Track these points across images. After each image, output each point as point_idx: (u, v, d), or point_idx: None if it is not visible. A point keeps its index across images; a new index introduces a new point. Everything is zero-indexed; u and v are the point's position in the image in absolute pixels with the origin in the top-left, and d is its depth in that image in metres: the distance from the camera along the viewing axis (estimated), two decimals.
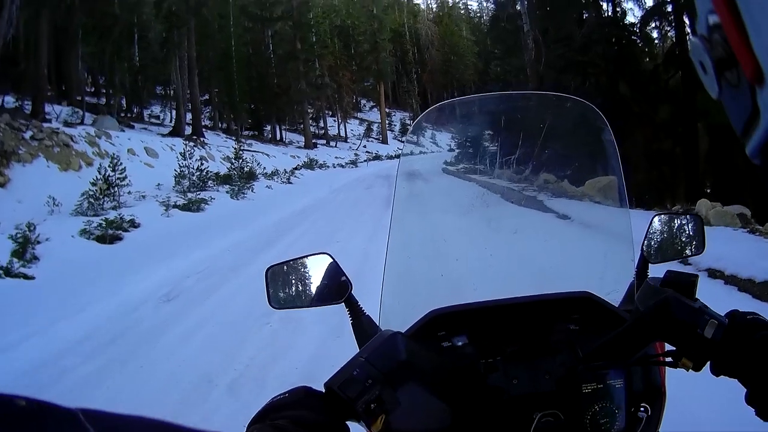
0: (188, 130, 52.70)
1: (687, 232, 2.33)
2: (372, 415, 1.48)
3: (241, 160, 37.22)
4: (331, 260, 2.08)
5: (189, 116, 56.05)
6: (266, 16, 74.18)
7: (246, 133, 70.93)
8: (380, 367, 1.54)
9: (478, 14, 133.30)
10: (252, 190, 32.88)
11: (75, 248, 16.38)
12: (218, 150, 43.61)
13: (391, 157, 76.33)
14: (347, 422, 1.47)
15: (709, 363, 1.56)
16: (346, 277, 2.06)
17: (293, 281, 2.15)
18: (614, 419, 1.72)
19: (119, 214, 19.81)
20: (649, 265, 2.21)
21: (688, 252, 2.33)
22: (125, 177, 23.72)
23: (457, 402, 1.78)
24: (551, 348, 1.89)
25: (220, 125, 67.05)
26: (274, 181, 40.34)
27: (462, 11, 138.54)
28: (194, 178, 30.63)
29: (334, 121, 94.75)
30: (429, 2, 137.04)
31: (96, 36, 46.00)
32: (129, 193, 24.33)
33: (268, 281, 2.12)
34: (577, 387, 1.73)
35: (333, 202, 28.72)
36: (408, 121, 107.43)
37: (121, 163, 24.08)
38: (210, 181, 32.03)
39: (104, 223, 18.20)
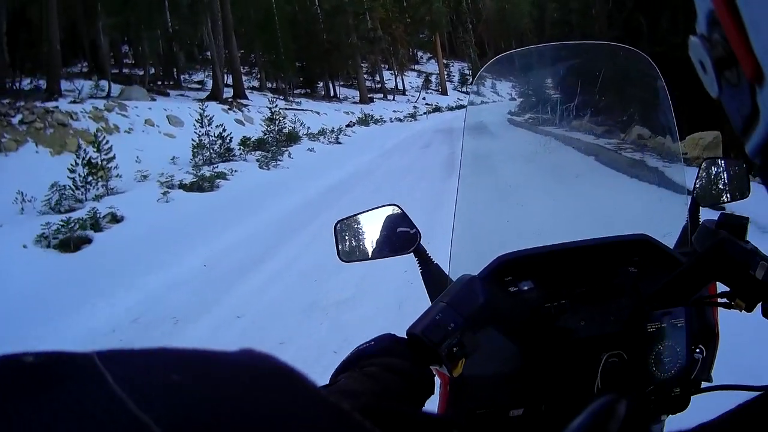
0: (230, 93, 48.23)
1: (733, 176, 2.28)
2: (454, 359, 1.47)
3: (278, 121, 32.04)
4: (400, 211, 2.02)
5: (231, 79, 51.95)
6: None
7: (298, 91, 67.20)
8: (461, 311, 1.53)
9: None
10: (289, 156, 27.27)
11: (20, 265, 11.59)
12: (259, 112, 38.46)
13: (451, 109, 71.84)
14: (431, 366, 1.46)
15: (760, 305, 1.54)
16: (415, 227, 2.01)
17: (362, 234, 2.09)
18: (676, 358, 1.76)
19: (93, 209, 14.70)
20: (700, 207, 2.17)
21: (733, 196, 2.26)
22: (113, 157, 19.11)
23: (528, 344, 1.78)
24: (615, 291, 1.89)
25: (267, 86, 62.57)
26: (319, 142, 34.65)
27: None
28: (216, 147, 25.55)
29: (391, 74, 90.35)
30: None
31: (119, 3, 41.99)
32: (118, 176, 19.26)
33: (336, 235, 2.07)
34: (642, 327, 1.76)
35: (378, 171, 22.59)
36: (467, 71, 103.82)
37: (107, 142, 19.19)
38: (239, 149, 27.10)
39: (64, 224, 13.16)
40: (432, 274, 1.97)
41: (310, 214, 15.16)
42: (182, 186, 18.68)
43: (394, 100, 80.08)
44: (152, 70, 51.77)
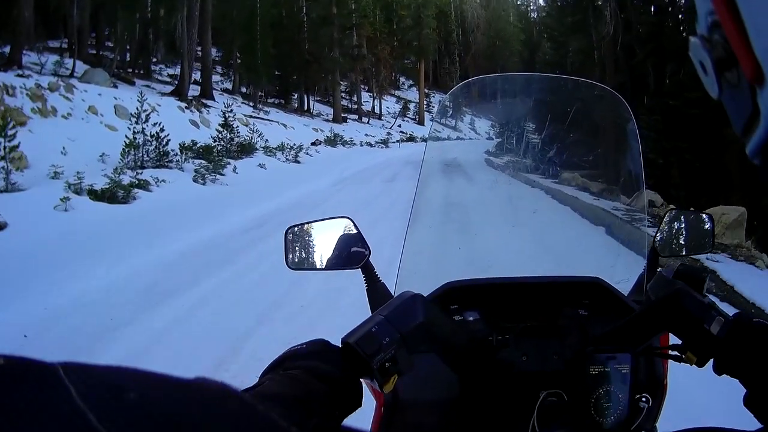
0: (198, 92, 46.06)
1: (698, 229, 2.34)
2: (386, 375, 1.44)
3: (231, 129, 28.95)
4: (352, 224, 2.04)
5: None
6: None
7: (272, 100, 64.94)
8: (399, 326, 1.50)
9: (526, 1, 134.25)
10: (234, 170, 24.44)
11: None
12: (220, 116, 34.86)
13: (425, 140, 67.20)
14: (361, 379, 1.43)
15: (712, 360, 1.57)
16: (365, 242, 2.02)
17: (312, 243, 2.12)
18: (617, 404, 1.72)
19: None
20: (660, 258, 2.20)
21: (697, 249, 2.34)
22: (16, 146, 15.76)
23: (467, 373, 1.75)
24: (561, 330, 1.88)
25: (240, 90, 60.21)
26: (275, 158, 31.95)
27: None
28: (151, 148, 22.08)
29: (370, 96, 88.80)
30: None
31: None
32: (22, 169, 16.36)
33: (286, 242, 2.09)
34: (585, 368, 1.73)
35: (324, 206, 18.68)
36: (459, 100, 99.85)
37: (13, 127, 15.83)
38: (177, 154, 23.19)
39: None
40: (377, 293, 1.96)
41: (215, 262, 11.30)
42: (91, 192, 15.56)
43: (368, 123, 78.48)
44: (128, 56, 50.13)
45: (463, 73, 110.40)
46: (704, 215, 2.32)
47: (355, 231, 2.03)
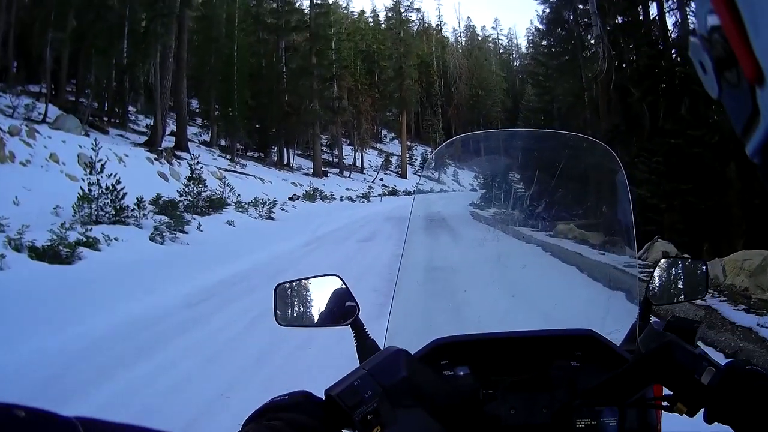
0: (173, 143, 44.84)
1: (690, 276, 2.26)
2: (367, 427, 1.44)
3: (197, 182, 26.77)
4: (341, 282, 2.02)
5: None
6: (279, 25, 67.02)
7: (251, 154, 63.59)
8: (381, 380, 1.51)
9: (508, 50, 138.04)
10: (198, 227, 22.26)
11: None
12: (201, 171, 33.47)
13: (409, 193, 67.93)
14: (343, 431, 1.45)
15: (703, 410, 1.54)
16: (354, 300, 1.99)
17: (301, 300, 2.12)
18: None
19: None
20: (653, 306, 2.17)
21: (689, 296, 2.32)
22: None
23: (454, 427, 1.70)
24: (551, 383, 1.83)
25: (218, 142, 58.93)
26: (247, 214, 30.11)
27: (491, 45, 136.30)
28: (107, 201, 19.56)
29: (351, 149, 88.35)
30: (458, 35, 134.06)
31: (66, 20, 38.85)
32: None
33: (276, 298, 2.06)
34: (571, 422, 1.68)
35: (291, 271, 15.13)
36: (430, 156, 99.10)
37: None
38: (136, 209, 20.75)
39: None
40: (367, 349, 1.91)
41: (129, 353, 8.14)
42: (32, 249, 13.60)
43: (350, 177, 77.69)
44: (106, 105, 48.91)
45: (446, 125, 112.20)
46: (695, 261, 2.27)
47: (344, 288, 1.99)
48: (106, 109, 48.44)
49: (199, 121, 64.96)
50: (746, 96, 0.55)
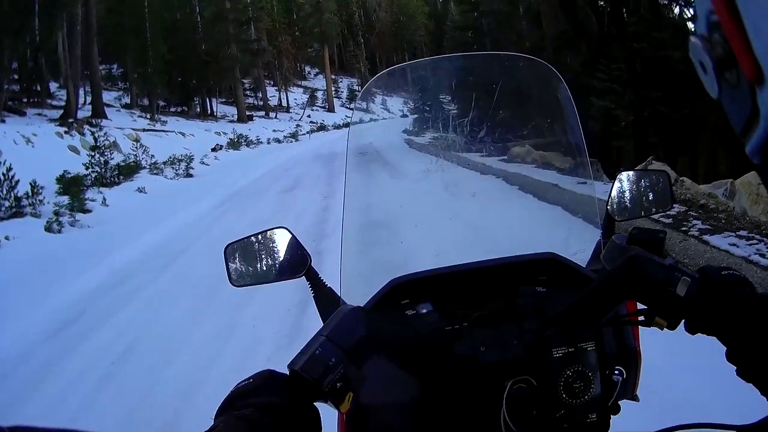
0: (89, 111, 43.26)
1: (654, 188, 2.21)
2: (339, 395, 1.41)
3: (101, 151, 25.40)
4: (290, 234, 1.97)
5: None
6: None
7: (174, 109, 61.61)
8: (342, 344, 1.46)
9: None
10: (103, 202, 20.63)
11: None
12: (107, 137, 31.54)
13: (338, 127, 68.63)
14: (315, 403, 1.41)
15: (683, 321, 1.52)
16: (305, 250, 1.95)
17: (252, 257, 2.04)
18: (589, 383, 1.57)
19: None
20: (616, 223, 2.11)
21: (654, 209, 2.25)
22: None
23: (426, 373, 1.72)
24: (518, 313, 1.83)
25: (139, 103, 56.57)
26: (162, 176, 28.51)
27: None
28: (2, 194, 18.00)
29: (276, 90, 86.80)
30: None
31: None
32: None
33: (227, 258, 2.00)
34: (547, 351, 1.58)
35: (204, 239, 15.06)
36: (356, 87, 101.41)
37: None
38: (28, 197, 18.46)
39: None
40: (325, 298, 1.89)
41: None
42: None
43: (276, 118, 76.19)
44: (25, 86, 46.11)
45: (370, 54, 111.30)
46: (657, 172, 2.20)
47: (293, 239, 1.94)
48: (25, 89, 45.65)
49: (120, 85, 62.73)
50: (746, 96, 0.56)
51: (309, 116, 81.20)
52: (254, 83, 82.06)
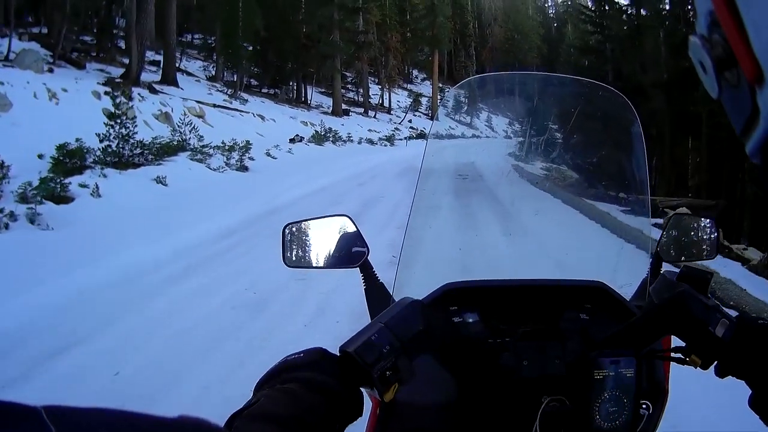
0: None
1: (701, 235, 2.30)
2: (386, 383, 1.39)
3: (120, 121, 17.68)
4: (351, 223, 1.99)
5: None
6: None
7: (267, 90, 56.48)
8: (399, 334, 1.45)
9: None
10: (95, 194, 13.77)
11: None
12: (163, 104, 27.51)
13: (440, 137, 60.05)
14: (361, 388, 1.38)
15: (716, 363, 1.55)
16: (364, 241, 1.97)
17: (310, 241, 2.06)
18: (622, 409, 1.61)
19: None
20: (663, 263, 2.13)
21: (699, 256, 2.27)
22: None
23: (467, 378, 1.73)
24: (562, 334, 1.81)
25: (224, 77, 50.95)
26: (204, 165, 20.81)
27: None
28: None
29: (380, 89, 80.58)
30: None
31: None
32: None
33: (284, 239, 2.03)
34: (589, 373, 1.62)
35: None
36: (462, 98, 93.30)
37: None
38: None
39: None
40: (376, 292, 1.92)
41: None
42: None
43: (375, 117, 70.05)
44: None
45: (479, 67, 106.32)
46: (707, 220, 2.27)
47: (354, 229, 1.96)
48: (98, 43, 40.95)
49: (205, 55, 57.31)
50: (746, 96, 0.56)
51: (410, 121, 74.85)
52: (357, 77, 76.10)
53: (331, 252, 1.97)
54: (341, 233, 1.96)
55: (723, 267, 10.81)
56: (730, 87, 0.58)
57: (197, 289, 8.64)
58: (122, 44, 41.23)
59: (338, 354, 1.38)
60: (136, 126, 18.08)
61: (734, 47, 0.55)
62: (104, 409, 0.54)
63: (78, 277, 8.54)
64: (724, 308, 1.51)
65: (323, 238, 1.98)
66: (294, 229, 2.00)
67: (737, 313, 1.58)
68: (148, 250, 10.20)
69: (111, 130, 17.24)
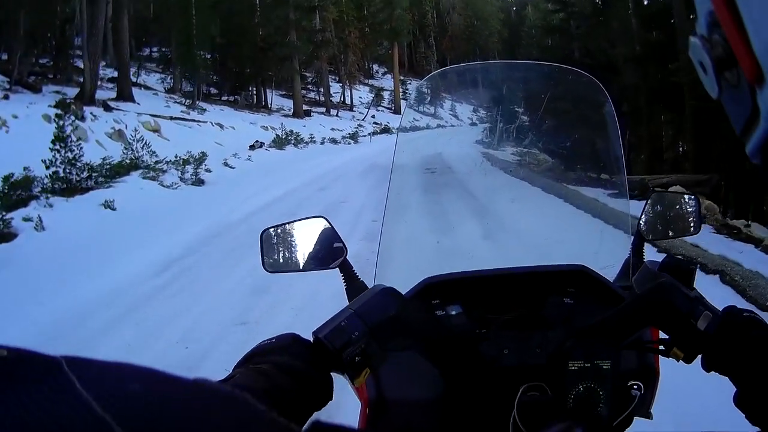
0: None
1: (683, 212, 2.25)
2: (356, 369, 1.43)
3: (64, 144, 17.00)
4: (327, 225, 1.99)
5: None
6: None
7: (226, 98, 56.02)
8: (368, 320, 1.47)
9: None
10: (38, 225, 12.75)
11: None
12: (116, 122, 27.11)
13: (405, 130, 59.35)
14: (332, 373, 1.42)
15: (700, 357, 1.53)
16: (342, 241, 1.97)
17: (288, 245, 2.06)
18: (597, 401, 1.61)
19: None
20: (645, 242, 2.12)
21: (681, 232, 2.27)
22: None
23: (449, 369, 1.70)
24: (545, 322, 1.84)
25: (182, 88, 50.29)
26: (158, 182, 19.54)
27: None
28: None
29: (340, 86, 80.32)
30: None
31: None
32: None
33: (262, 244, 2.00)
34: (564, 363, 1.62)
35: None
36: (430, 91, 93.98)
37: None
38: None
39: None
40: (356, 292, 1.81)
41: None
42: None
43: (337, 116, 69.46)
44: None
45: (440, 57, 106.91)
46: (688, 196, 2.23)
47: (331, 230, 1.95)
48: (54, 65, 40.84)
49: (162, 68, 56.65)
50: (746, 96, 0.56)
51: (373, 116, 74.70)
52: (317, 77, 75.74)
53: (310, 254, 1.98)
54: (319, 235, 1.96)
55: (738, 253, 10.00)
56: (730, 87, 0.59)
57: (120, 348, 7.31)
58: (80, 64, 39.54)
59: (311, 340, 1.41)
60: (81, 148, 17.40)
61: (734, 47, 0.55)
62: (127, 364, 0.54)
63: None
64: (707, 300, 1.50)
65: (301, 240, 1.99)
66: (272, 233, 2.00)
67: (726, 306, 1.56)
68: (78, 294, 9.20)
69: (57, 155, 16.65)
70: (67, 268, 10.37)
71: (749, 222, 13.94)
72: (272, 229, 1.99)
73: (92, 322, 8.16)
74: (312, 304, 7.91)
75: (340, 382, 1.43)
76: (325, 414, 1.22)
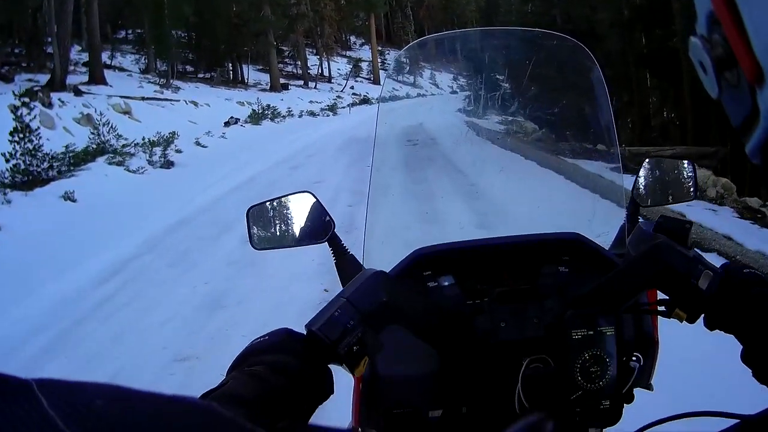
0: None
1: (678, 177, 2.23)
2: (354, 358, 1.39)
3: (23, 135, 16.37)
4: (314, 199, 1.92)
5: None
6: None
7: (202, 75, 55.15)
8: (361, 307, 1.43)
9: None
10: None
11: None
12: (85, 106, 26.45)
13: (384, 100, 59.40)
14: (330, 365, 1.39)
15: (703, 316, 1.52)
16: (329, 216, 1.91)
17: (275, 221, 2.01)
18: (605, 368, 1.59)
19: None
20: (640, 208, 2.11)
21: (678, 198, 2.23)
22: None
23: (444, 345, 1.69)
24: (540, 292, 1.80)
25: (157, 68, 48.85)
26: (124, 167, 18.70)
27: None
28: None
29: (318, 59, 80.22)
30: None
31: None
32: None
33: (249, 222, 1.96)
34: (566, 333, 1.60)
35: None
36: (409, 61, 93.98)
37: None
38: None
39: None
40: (346, 265, 1.85)
41: None
42: None
43: (315, 88, 69.43)
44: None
45: (418, 28, 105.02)
46: (684, 162, 2.20)
47: (317, 204, 1.88)
48: (27, 53, 39.90)
49: (136, 48, 55.60)
50: (746, 96, 0.56)
51: (352, 87, 74.55)
52: (294, 50, 75.68)
53: (298, 229, 1.91)
54: (306, 209, 1.88)
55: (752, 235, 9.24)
56: (730, 87, 0.59)
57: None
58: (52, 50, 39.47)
59: (304, 333, 1.36)
60: (40, 137, 16.88)
61: (734, 47, 0.55)
62: (98, 383, 0.54)
63: None
64: (705, 259, 1.46)
65: (288, 216, 1.94)
66: (258, 210, 1.92)
67: (724, 263, 1.56)
68: (21, 313, 7.89)
69: (17, 146, 16.02)
70: (18, 274, 9.46)
71: (766, 202, 13.31)
72: (257, 207, 1.93)
73: (31, 346, 6.97)
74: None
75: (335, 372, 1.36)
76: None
